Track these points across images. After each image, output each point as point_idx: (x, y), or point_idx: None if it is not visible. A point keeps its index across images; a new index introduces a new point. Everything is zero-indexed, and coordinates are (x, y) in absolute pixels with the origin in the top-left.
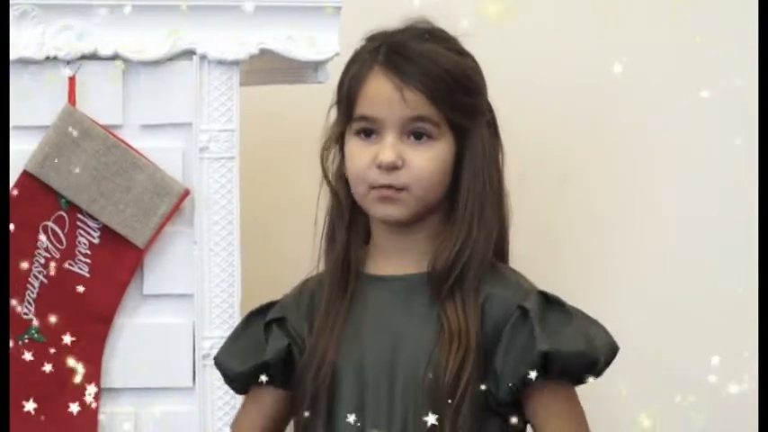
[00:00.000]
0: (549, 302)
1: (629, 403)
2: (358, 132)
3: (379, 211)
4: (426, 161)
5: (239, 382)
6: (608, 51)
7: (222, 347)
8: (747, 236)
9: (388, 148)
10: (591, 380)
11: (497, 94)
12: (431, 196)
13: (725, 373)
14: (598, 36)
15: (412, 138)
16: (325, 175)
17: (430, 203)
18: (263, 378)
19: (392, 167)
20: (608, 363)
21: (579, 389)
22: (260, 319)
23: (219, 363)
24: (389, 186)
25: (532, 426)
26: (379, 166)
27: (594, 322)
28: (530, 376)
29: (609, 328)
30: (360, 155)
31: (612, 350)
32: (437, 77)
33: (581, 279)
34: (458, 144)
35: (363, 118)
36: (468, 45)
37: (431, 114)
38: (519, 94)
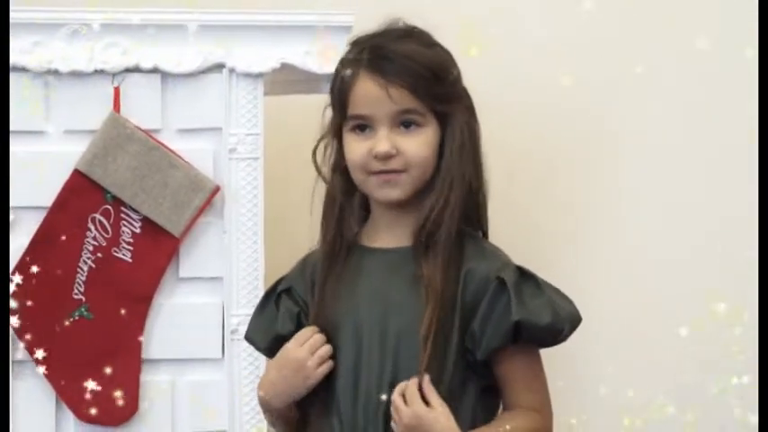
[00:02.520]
0: (524, 276)
1: (616, 384)
2: (353, 129)
3: (381, 194)
4: (418, 146)
5: (267, 353)
6: (594, 51)
7: (249, 326)
8: (730, 227)
9: (382, 139)
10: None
11: (487, 94)
12: (424, 174)
13: (707, 353)
14: (583, 35)
15: (402, 127)
16: (318, 169)
17: (424, 181)
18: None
19: (387, 156)
20: (571, 332)
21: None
22: (273, 296)
23: (249, 339)
24: (389, 171)
25: (498, 381)
26: (376, 156)
27: (561, 295)
28: (503, 341)
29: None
30: (357, 147)
31: (575, 320)
32: (417, 73)
33: (566, 266)
34: (442, 127)
35: (356, 116)
36: (460, 54)
37: (415, 106)
38: (509, 96)
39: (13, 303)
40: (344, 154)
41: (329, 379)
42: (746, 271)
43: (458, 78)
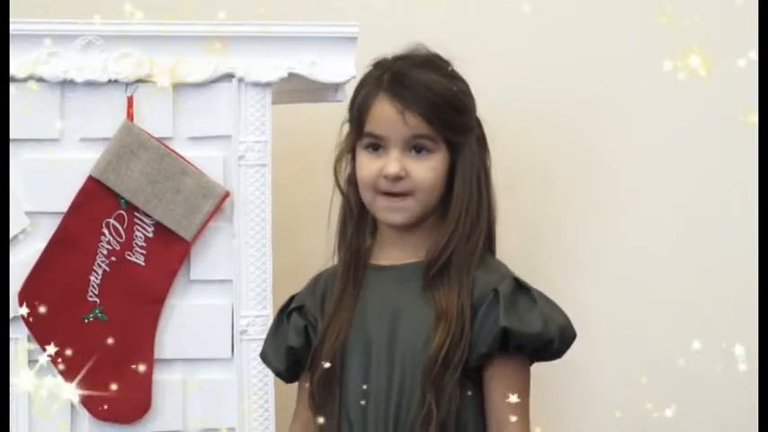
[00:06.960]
0: (520, 287)
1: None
2: (367, 146)
3: (386, 217)
4: (426, 171)
5: (283, 376)
6: (588, 57)
7: (263, 346)
8: (731, 237)
9: (393, 161)
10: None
11: (488, 108)
12: (430, 200)
13: (699, 357)
14: (578, 41)
15: (413, 151)
16: (337, 182)
17: (429, 206)
18: (298, 366)
19: (397, 178)
20: (564, 345)
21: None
22: (284, 314)
23: (265, 361)
24: (396, 194)
25: (483, 389)
26: (386, 177)
27: (556, 308)
28: (490, 347)
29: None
30: (369, 165)
31: (565, 333)
32: (432, 102)
33: (561, 270)
34: (451, 155)
35: (371, 135)
36: (460, 64)
37: (428, 132)
38: (507, 106)
39: (29, 306)
40: (357, 170)
41: (341, 394)
42: (747, 274)
43: (471, 110)
